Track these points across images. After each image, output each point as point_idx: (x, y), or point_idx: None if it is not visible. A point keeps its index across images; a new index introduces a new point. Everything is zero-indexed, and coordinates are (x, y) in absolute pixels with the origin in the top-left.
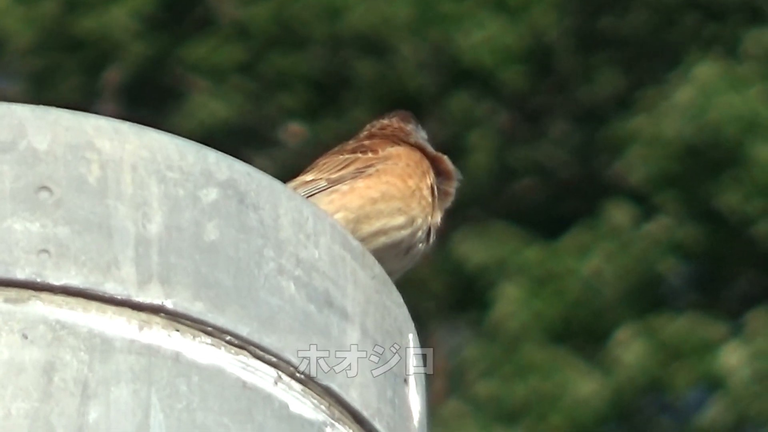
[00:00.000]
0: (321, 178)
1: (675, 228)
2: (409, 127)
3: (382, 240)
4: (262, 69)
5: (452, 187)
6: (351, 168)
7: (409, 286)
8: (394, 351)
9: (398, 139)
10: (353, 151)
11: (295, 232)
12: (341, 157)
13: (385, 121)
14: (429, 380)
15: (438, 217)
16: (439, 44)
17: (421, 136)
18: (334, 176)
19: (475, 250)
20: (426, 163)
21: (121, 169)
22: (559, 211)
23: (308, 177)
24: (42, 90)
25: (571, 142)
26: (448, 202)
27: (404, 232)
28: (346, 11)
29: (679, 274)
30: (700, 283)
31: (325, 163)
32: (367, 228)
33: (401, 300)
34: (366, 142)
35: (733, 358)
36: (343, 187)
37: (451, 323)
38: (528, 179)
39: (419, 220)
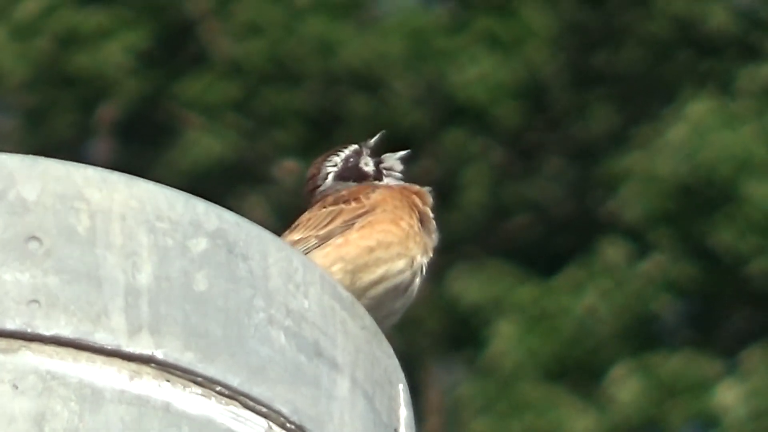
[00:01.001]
0: (309, 236)
1: (669, 266)
2: (317, 193)
3: (384, 285)
4: (256, 105)
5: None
6: (338, 221)
7: (404, 325)
8: (385, 401)
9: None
10: (335, 203)
11: (284, 282)
12: (324, 210)
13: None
14: (424, 418)
15: (432, 244)
16: (432, 80)
17: (327, 183)
18: (322, 232)
19: (469, 288)
20: (407, 195)
21: (110, 219)
22: (554, 249)
23: (296, 236)
24: (36, 126)
25: (566, 179)
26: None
27: (406, 275)
28: (340, 48)
29: (673, 311)
30: (695, 320)
31: (309, 219)
32: (369, 276)
33: (391, 350)
34: (344, 192)
35: (728, 396)
36: (337, 240)
37: (446, 361)
38: (522, 216)
39: (419, 257)
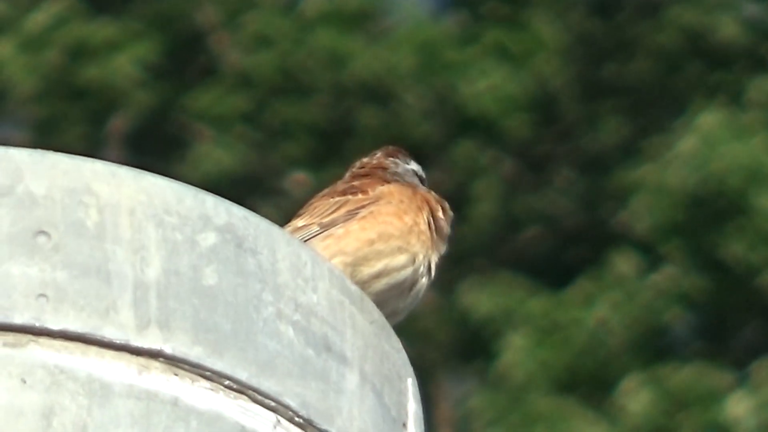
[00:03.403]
0: (313, 223)
1: (680, 277)
2: (389, 161)
3: (385, 281)
4: (266, 118)
5: (448, 222)
6: (342, 211)
7: (415, 336)
8: (393, 396)
9: (381, 175)
10: (343, 193)
11: (293, 276)
12: (332, 200)
13: (365, 159)
14: (436, 430)
15: (439, 252)
16: (443, 93)
17: (408, 169)
18: (325, 220)
19: (480, 300)
20: (420, 197)
21: (118, 213)
22: (565, 261)
23: (300, 222)
24: (46, 138)
25: (576, 191)
26: (446, 237)
27: (408, 271)
28: (350, 60)
29: (684, 323)
30: (706, 332)
31: (315, 207)
32: (368, 270)
33: (400, 345)
34: (355, 183)
35: (738, 408)
36: (338, 231)
37: (458, 373)
38: (533, 228)
39: (420, 256)
